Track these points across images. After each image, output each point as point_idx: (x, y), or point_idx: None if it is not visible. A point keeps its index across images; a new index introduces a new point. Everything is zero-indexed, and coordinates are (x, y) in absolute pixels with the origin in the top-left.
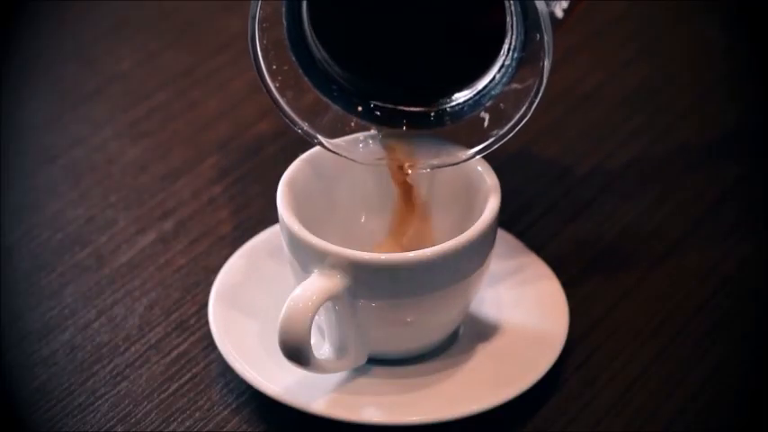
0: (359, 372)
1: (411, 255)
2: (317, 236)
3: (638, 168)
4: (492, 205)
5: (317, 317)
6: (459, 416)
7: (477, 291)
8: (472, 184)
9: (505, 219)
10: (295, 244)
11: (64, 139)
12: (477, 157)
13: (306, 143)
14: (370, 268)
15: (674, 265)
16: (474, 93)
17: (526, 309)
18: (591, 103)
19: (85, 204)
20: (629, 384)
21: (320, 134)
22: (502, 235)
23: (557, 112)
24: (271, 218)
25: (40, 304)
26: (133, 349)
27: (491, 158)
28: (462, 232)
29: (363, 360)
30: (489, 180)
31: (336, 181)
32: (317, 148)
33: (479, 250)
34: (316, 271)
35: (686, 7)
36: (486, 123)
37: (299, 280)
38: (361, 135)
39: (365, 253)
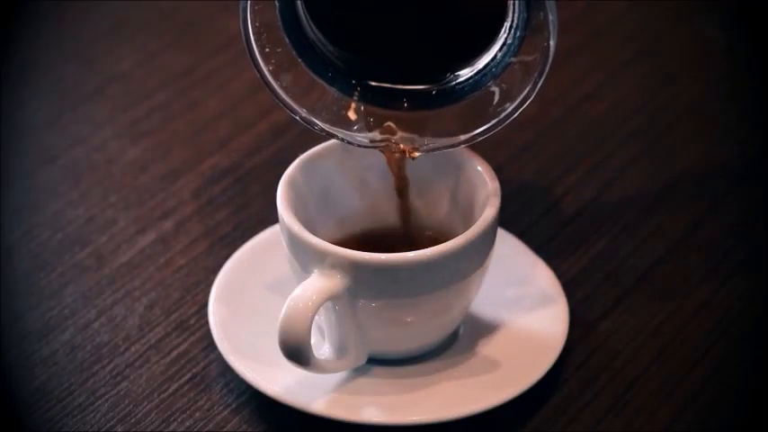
0: (359, 372)
1: (411, 255)
2: (317, 236)
3: (638, 168)
4: (492, 205)
5: (317, 317)
6: (459, 416)
7: (477, 291)
8: (473, 185)
9: (505, 219)
10: (295, 244)
11: (64, 139)
12: (479, 139)
13: (305, 143)
14: (370, 268)
15: (674, 265)
16: (475, 72)
17: (526, 309)
18: (591, 103)
19: (85, 204)
20: (629, 384)
21: (317, 119)
22: (502, 235)
23: (557, 112)
24: (271, 218)
25: (40, 304)
26: (133, 349)
27: (491, 158)
28: (462, 232)
29: (363, 360)
30: (489, 180)
31: (336, 180)
32: (317, 147)
33: (479, 250)
34: (316, 271)
35: (686, 7)
36: (496, 99)
37: (299, 280)
38: (355, 112)
39: (365, 253)
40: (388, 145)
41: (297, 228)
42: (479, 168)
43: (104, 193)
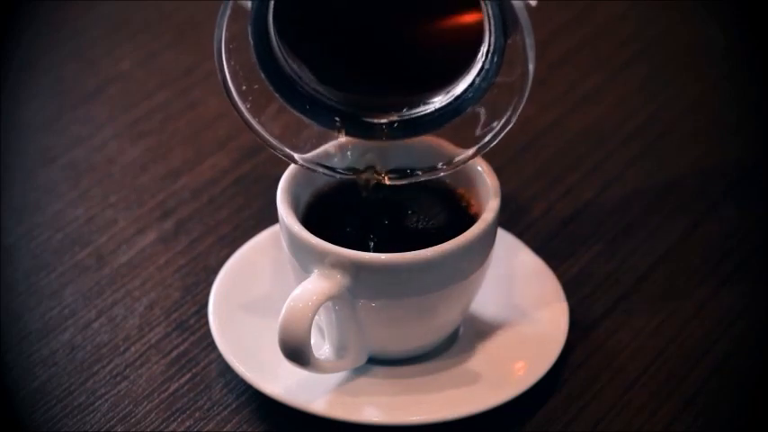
0: (359, 372)
1: (411, 255)
2: (317, 236)
3: (638, 168)
4: (492, 205)
5: (317, 317)
6: (460, 416)
7: (477, 291)
8: (473, 185)
9: (505, 219)
10: (295, 244)
11: (64, 139)
12: (459, 167)
13: None
14: (370, 268)
15: (674, 265)
16: (454, 98)
17: (526, 309)
18: (591, 103)
19: (85, 204)
20: (630, 384)
21: (297, 153)
22: (502, 235)
23: (557, 112)
24: (271, 218)
25: (40, 304)
26: (133, 349)
27: (492, 158)
28: (462, 233)
29: (363, 360)
30: (490, 180)
31: (337, 179)
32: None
33: (479, 250)
34: (316, 271)
35: (686, 7)
36: (476, 124)
37: (299, 280)
38: (336, 143)
39: (365, 253)
40: (369, 176)
41: (297, 228)
42: (479, 168)
43: (104, 193)
